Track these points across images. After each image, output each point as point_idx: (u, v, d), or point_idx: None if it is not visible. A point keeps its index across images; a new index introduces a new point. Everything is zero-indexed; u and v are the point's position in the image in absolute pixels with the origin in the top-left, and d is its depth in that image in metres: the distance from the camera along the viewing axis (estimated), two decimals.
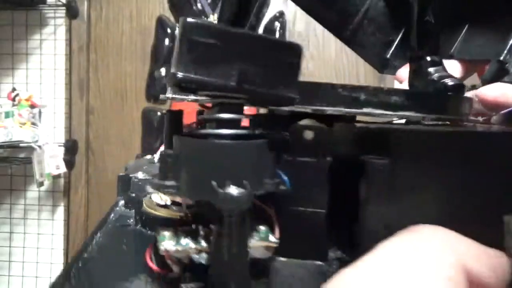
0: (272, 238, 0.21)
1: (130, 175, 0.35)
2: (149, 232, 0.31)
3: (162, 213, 0.28)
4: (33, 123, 1.89)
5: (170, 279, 0.21)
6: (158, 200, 0.31)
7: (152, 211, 0.29)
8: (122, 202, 0.35)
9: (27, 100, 1.90)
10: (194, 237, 0.22)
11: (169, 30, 1.66)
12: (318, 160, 0.23)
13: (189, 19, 0.19)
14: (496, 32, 0.36)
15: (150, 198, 0.32)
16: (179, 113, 0.26)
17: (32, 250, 2.11)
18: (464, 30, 0.39)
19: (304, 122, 0.23)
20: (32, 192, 2.12)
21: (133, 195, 0.34)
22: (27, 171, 2.05)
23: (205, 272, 0.21)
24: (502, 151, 0.24)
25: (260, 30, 1.69)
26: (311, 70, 2.10)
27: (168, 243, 0.22)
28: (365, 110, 0.25)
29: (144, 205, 0.31)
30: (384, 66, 0.45)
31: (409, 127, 0.26)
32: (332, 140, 0.23)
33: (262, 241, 0.21)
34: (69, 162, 2.04)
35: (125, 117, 2.09)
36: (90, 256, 0.27)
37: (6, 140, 1.77)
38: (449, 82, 0.31)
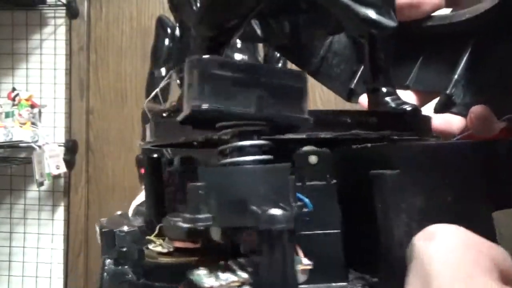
0: (306, 261, 0.21)
1: (114, 230, 0.34)
2: (156, 284, 0.30)
3: (167, 260, 0.28)
4: (33, 123, 1.89)
5: None
6: (159, 249, 0.31)
7: (158, 261, 0.29)
8: (109, 261, 0.33)
9: (27, 100, 1.91)
10: (231, 270, 0.22)
11: (169, 30, 1.65)
12: (326, 182, 0.24)
13: (204, 57, 0.21)
14: (444, 66, 0.39)
15: (148, 248, 0.32)
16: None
17: (32, 250, 2.11)
18: (418, 62, 0.41)
19: (307, 148, 0.24)
20: (32, 192, 2.12)
21: (124, 249, 0.33)
22: (27, 171, 2.05)
23: None
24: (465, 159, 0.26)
25: None
26: None
27: (209, 280, 0.21)
28: (353, 132, 0.27)
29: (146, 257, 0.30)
30: (350, 95, 0.47)
31: (408, 143, 0.28)
32: (334, 162, 0.25)
33: (298, 265, 0.20)
34: (69, 162, 2.04)
35: (125, 117, 2.09)
36: None
37: (6, 140, 1.77)
38: (408, 107, 0.35)
